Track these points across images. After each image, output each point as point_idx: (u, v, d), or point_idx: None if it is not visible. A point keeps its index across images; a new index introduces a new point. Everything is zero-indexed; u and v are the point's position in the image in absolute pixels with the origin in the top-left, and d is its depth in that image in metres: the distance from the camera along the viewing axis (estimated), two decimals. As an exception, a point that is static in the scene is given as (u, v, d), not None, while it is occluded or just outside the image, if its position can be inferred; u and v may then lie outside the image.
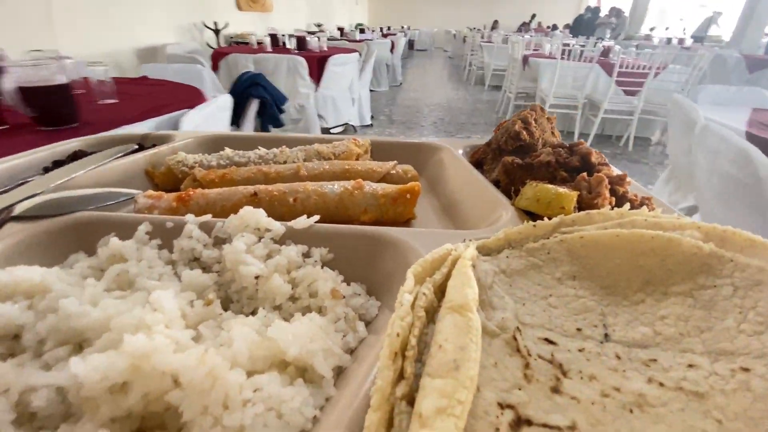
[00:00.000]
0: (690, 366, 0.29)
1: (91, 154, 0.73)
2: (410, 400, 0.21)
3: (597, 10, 12.12)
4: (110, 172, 0.67)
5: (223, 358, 0.26)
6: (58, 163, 0.69)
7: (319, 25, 6.98)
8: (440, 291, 0.29)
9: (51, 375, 0.27)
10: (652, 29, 12.87)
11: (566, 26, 13.03)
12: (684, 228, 0.34)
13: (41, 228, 0.47)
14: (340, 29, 8.06)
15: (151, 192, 0.58)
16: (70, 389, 0.26)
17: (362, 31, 8.21)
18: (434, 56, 15.45)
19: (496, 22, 15.45)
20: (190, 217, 0.46)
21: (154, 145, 0.82)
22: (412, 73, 10.35)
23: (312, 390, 0.28)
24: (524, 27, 14.75)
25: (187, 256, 0.44)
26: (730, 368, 0.28)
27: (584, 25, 11.55)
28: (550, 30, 13.67)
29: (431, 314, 0.26)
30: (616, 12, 11.66)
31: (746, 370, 0.27)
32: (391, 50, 7.49)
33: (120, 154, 0.73)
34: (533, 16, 15.83)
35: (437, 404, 0.16)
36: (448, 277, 0.29)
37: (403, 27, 14.08)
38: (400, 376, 0.22)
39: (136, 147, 0.78)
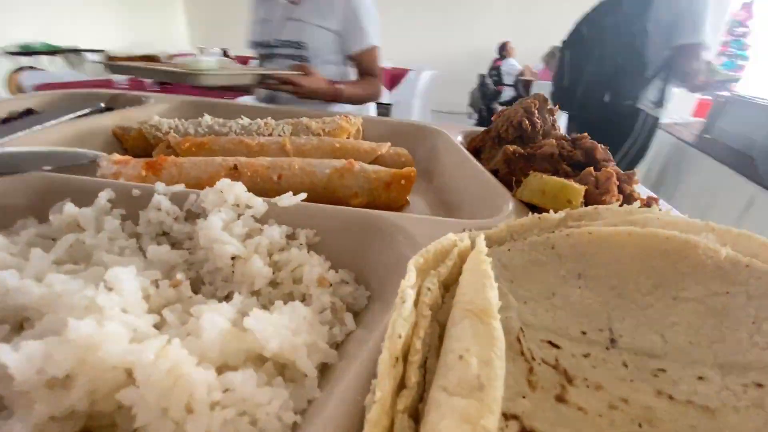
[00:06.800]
0: (700, 378, 0.27)
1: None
2: (413, 413, 0.18)
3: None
4: (72, 131, 0.60)
5: (189, 352, 0.22)
6: (8, 121, 0.61)
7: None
8: (444, 286, 0.26)
9: (-22, 362, 0.23)
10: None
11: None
12: (698, 230, 0.32)
13: (-17, 188, 0.41)
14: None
15: (117, 156, 0.52)
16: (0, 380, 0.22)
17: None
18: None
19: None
20: (160, 186, 0.41)
21: (125, 107, 0.74)
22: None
23: (293, 390, 0.24)
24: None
25: (154, 229, 0.39)
26: (742, 383, 0.26)
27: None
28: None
29: (435, 312, 0.23)
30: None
31: (760, 386, 0.25)
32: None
33: (83, 112, 0.65)
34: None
35: (459, 430, 0.13)
36: (454, 271, 0.26)
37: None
38: (401, 384, 0.19)
39: (102, 107, 0.71)
